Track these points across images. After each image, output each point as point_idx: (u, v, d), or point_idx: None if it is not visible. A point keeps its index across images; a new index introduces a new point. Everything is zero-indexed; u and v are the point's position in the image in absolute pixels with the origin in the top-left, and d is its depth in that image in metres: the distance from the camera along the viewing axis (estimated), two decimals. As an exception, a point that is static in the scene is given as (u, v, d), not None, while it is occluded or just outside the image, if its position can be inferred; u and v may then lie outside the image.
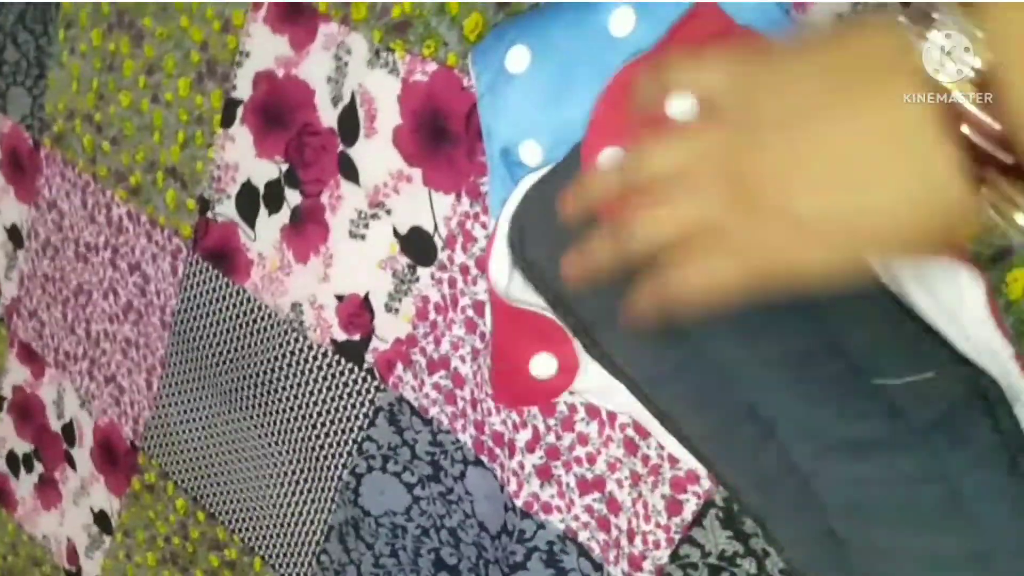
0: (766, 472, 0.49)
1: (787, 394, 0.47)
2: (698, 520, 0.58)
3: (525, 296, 0.52)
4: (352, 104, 0.68)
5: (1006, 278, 0.46)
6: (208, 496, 0.91)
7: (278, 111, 0.73)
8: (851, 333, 0.45)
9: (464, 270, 0.64)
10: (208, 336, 0.85)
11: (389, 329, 0.70)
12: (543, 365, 0.55)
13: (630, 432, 0.60)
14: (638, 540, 0.61)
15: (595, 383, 0.54)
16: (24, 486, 1.13)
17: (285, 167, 0.74)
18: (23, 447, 1.11)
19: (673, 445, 0.55)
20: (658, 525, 0.60)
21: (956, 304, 0.42)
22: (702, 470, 0.57)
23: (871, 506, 0.46)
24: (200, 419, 0.89)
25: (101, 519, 1.04)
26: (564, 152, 0.52)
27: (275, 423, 0.82)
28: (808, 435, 0.47)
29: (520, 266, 0.51)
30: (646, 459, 0.59)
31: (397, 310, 0.69)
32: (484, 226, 0.62)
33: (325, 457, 0.78)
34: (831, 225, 0.33)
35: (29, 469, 1.11)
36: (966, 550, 0.44)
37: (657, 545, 0.60)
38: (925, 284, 0.43)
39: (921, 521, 0.45)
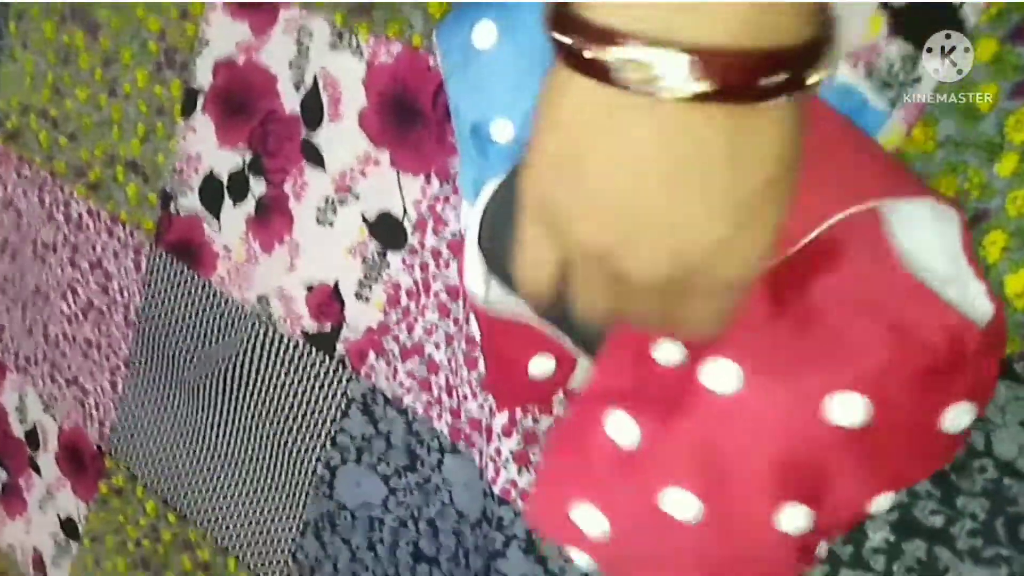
0: None
1: None
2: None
3: (507, 302, 0.51)
4: (315, 88, 0.67)
5: (983, 241, 0.46)
6: (179, 497, 0.89)
7: (240, 99, 0.72)
8: None
9: (435, 254, 0.63)
10: (174, 333, 0.83)
11: (360, 318, 0.69)
12: (541, 365, 0.53)
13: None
14: (619, 521, 0.60)
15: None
16: (-13, 496, 1.10)
17: (249, 156, 0.72)
18: (-15, 455, 1.08)
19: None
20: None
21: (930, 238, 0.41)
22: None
23: None
24: (167, 418, 0.87)
25: (68, 526, 1.01)
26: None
27: (245, 419, 0.80)
28: None
29: (496, 272, 0.50)
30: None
31: (368, 298, 0.68)
32: (455, 208, 0.61)
33: (298, 452, 0.77)
34: None
35: (-8, 478, 1.08)
36: None
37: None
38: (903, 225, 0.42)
39: None
